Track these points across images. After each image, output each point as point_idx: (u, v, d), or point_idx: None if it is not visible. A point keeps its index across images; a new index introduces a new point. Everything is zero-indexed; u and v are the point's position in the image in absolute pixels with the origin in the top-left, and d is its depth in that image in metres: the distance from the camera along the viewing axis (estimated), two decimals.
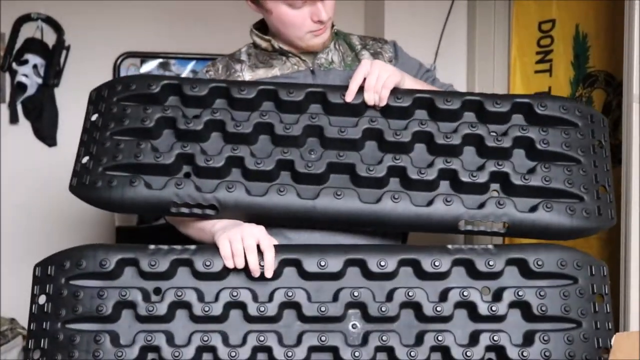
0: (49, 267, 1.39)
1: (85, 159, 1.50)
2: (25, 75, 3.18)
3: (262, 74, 1.65)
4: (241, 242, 1.38)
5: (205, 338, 1.32)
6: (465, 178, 1.43)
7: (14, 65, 3.19)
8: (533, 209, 1.42)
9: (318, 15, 1.57)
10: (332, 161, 1.44)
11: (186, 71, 3.38)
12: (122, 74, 3.32)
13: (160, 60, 3.37)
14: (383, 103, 1.49)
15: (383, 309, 1.34)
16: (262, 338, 1.33)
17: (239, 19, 3.28)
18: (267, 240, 1.41)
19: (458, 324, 1.37)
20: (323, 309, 1.34)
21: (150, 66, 3.35)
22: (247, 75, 1.65)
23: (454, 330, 1.35)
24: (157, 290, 1.36)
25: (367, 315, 1.35)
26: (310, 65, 1.66)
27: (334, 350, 1.32)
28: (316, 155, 1.45)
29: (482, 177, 1.44)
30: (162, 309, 1.34)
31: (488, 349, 1.35)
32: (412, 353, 1.32)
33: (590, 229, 1.45)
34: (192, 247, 1.41)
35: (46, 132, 3.25)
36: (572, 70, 2.60)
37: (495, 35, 2.93)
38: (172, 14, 3.35)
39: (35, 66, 3.19)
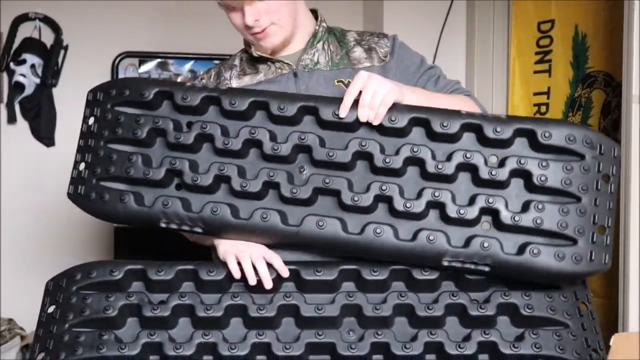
0: (62, 279, 1.44)
1: (81, 167, 1.51)
2: (23, 75, 3.17)
3: (247, 80, 1.65)
4: (249, 259, 1.42)
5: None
6: (453, 214, 1.38)
7: (11, 65, 3.18)
8: (520, 250, 1.36)
9: (244, 20, 1.56)
10: (319, 186, 1.41)
11: (184, 71, 3.37)
12: (120, 74, 3.31)
13: (159, 60, 3.36)
14: (378, 122, 1.42)
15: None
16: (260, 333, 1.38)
17: None
18: (271, 253, 1.45)
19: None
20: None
21: (148, 66, 3.35)
22: (234, 83, 1.65)
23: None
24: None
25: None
26: (293, 68, 1.63)
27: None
28: (304, 176, 1.43)
29: (471, 214, 1.38)
30: (166, 310, 1.38)
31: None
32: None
33: (580, 274, 1.36)
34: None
35: (44, 132, 3.25)
36: (571, 71, 2.60)
37: (495, 35, 2.93)
38: (170, 14, 3.35)
39: (33, 66, 3.19)
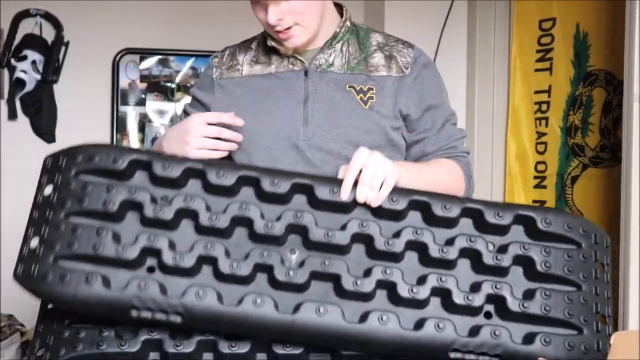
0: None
1: (34, 243, 1.31)
2: (24, 71, 3.18)
3: (259, 70, 1.61)
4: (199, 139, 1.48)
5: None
6: (459, 300, 1.31)
7: (12, 61, 3.19)
8: (530, 339, 1.31)
9: (267, 18, 1.50)
10: (316, 270, 1.30)
11: (185, 67, 3.37)
12: (122, 70, 3.31)
13: (160, 56, 3.36)
14: (377, 204, 1.33)
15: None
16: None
17: (239, 16, 3.28)
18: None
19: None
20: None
21: (149, 62, 3.35)
22: (245, 70, 1.62)
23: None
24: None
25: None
26: (305, 66, 1.58)
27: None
28: (297, 259, 1.31)
29: (478, 300, 1.32)
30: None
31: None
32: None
33: None
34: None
35: (45, 129, 3.25)
36: (573, 69, 2.60)
37: (496, 33, 2.93)
38: (171, 11, 3.34)
39: (34, 62, 3.19)
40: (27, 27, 3.24)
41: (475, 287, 1.33)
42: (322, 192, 1.33)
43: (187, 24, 3.35)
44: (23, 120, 3.25)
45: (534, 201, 2.76)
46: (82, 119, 3.30)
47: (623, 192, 2.07)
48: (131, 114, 3.34)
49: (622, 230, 2.08)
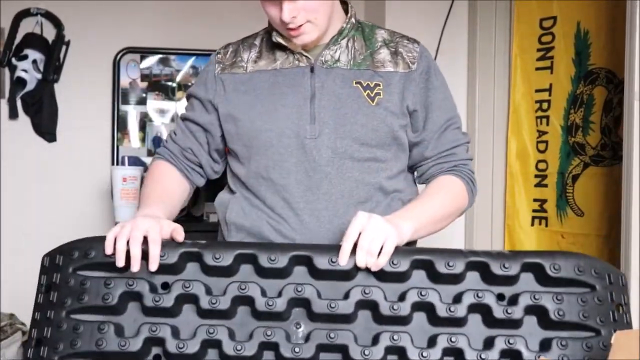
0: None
1: (38, 345, 1.30)
2: (25, 71, 3.18)
3: (263, 65, 1.59)
4: (127, 236, 1.31)
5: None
6: (472, 359, 1.28)
7: (13, 60, 3.19)
8: None
9: (281, 15, 1.48)
10: (322, 343, 1.28)
11: (186, 67, 3.38)
12: (122, 69, 3.32)
13: (160, 56, 3.36)
14: (377, 268, 1.31)
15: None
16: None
17: (240, 15, 3.29)
18: (155, 234, 1.32)
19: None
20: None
21: (150, 62, 3.35)
22: (249, 66, 1.60)
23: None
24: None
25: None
26: (312, 62, 1.56)
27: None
28: (304, 332, 1.30)
29: (492, 357, 1.28)
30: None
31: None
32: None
33: None
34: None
35: (45, 128, 3.26)
36: (573, 68, 2.59)
37: (496, 32, 2.93)
38: (172, 10, 3.35)
39: (34, 61, 3.19)
40: (28, 26, 3.24)
41: (488, 343, 1.29)
42: (321, 262, 1.31)
43: (187, 23, 3.35)
44: (24, 120, 3.26)
45: (535, 200, 2.76)
46: (83, 118, 3.30)
47: (624, 190, 2.07)
48: (132, 113, 3.34)
49: (623, 228, 2.08)
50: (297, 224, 1.53)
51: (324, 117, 1.53)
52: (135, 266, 1.30)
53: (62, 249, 1.35)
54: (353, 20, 1.61)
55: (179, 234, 1.35)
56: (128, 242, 1.31)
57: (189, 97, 1.69)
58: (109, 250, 1.31)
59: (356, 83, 1.55)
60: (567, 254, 1.37)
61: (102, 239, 1.35)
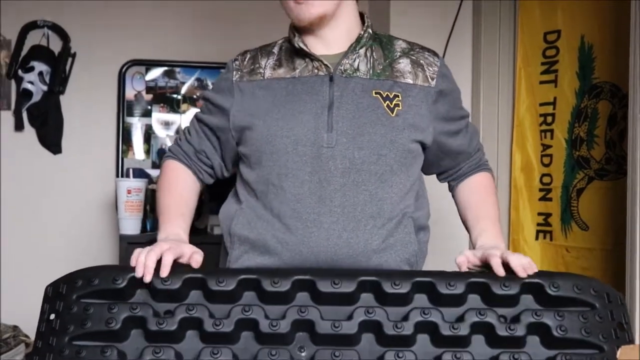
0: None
1: None
2: (31, 82, 3.19)
3: (282, 73, 1.58)
4: (145, 253, 1.38)
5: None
6: None
7: (19, 72, 3.20)
8: None
9: None
10: None
11: (191, 79, 3.39)
12: (127, 81, 3.33)
13: (165, 68, 3.38)
14: (533, 268, 1.40)
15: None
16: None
17: (245, 27, 3.30)
18: (169, 256, 1.39)
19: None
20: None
21: (155, 74, 3.36)
22: (268, 73, 1.59)
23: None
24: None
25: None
26: (331, 71, 1.55)
27: None
28: (307, 356, 1.29)
29: None
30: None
31: None
32: None
33: None
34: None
35: (51, 139, 3.27)
36: (578, 81, 2.59)
37: (500, 45, 2.93)
38: (177, 22, 3.36)
39: (40, 73, 3.20)
40: (34, 38, 3.26)
41: None
42: (324, 286, 1.33)
43: (193, 36, 3.36)
44: (29, 131, 3.27)
45: (540, 213, 2.75)
46: (88, 130, 3.31)
47: (629, 204, 2.07)
48: (137, 125, 3.35)
49: (628, 242, 2.07)
50: (305, 236, 1.51)
51: (342, 126, 1.51)
52: (148, 277, 1.34)
53: (66, 278, 1.36)
54: (370, 30, 1.62)
55: (196, 260, 1.42)
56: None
57: (205, 100, 1.70)
58: (133, 262, 1.37)
59: (376, 93, 1.54)
60: (565, 274, 1.39)
61: (106, 268, 1.38)
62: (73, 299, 1.33)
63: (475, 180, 1.73)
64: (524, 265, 1.37)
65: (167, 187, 1.67)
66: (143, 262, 1.35)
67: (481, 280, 1.35)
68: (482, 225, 1.62)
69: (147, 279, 1.33)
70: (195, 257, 1.42)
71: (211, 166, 1.69)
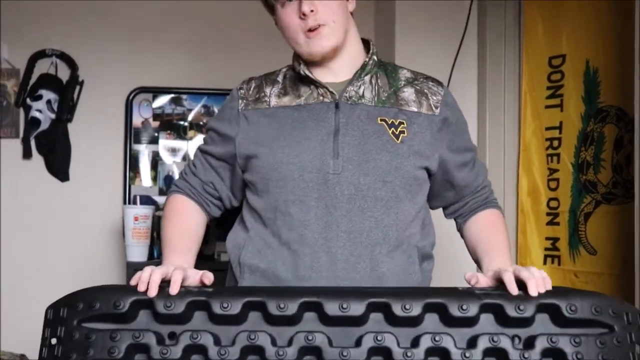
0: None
1: None
2: (39, 111, 3.21)
3: (287, 101, 1.59)
4: (150, 270, 1.34)
5: None
6: None
7: (28, 100, 3.22)
8: None
9: (301, 9, 1.50)
10: None
11: (198, 106, 3.40)
12: (135, 109, 3.35)
13: (172, 95, 3.40)
14: (547, 284, 1.35)
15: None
16: None
17: (251, 54, 3.33)
18: (178, 274, 1.35)
19: None
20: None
21: (162, 101, 3.38)
22: (273, 101, 1.60)
23: None
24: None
25: None
26: (336, 98, 1.56)
27: None
28: None
29: None
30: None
31: None
32: None
33: None
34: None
35: (59, 167, 3.28)
36: (583, 105, 2.60)
37: (506, 70, 2.94)
38: (183, 50, 3.39)
39: (49, 101, 3.23)
40: (43, 67, 3.28)
41: None
42: (332, 310, 1.29)
43: (199, 63, 3.39)
44: (37, 159, 3.28)
45: (547, 238, 2.74)
46: (96, 157, 3.33)
47: (637, 228, 2.06)
48: (144, 152, 3.36)
49: (636, 267, 2.06)
50: (313, 261, 1.51)
51: (348, 153, 1.52)
52: (153, 291, 1.30)
53: (66, 300, 1.33)
54: (375, 57, 1.63)
55: (208, 277, 1.38)
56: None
57: (209, 130, 1.69)
58: (135, 281, 1.32)
59: (381, 120, 1.55)
60: (582, 293, 1.34)
61: (106, 289, 1.35)
62: (74, 324, 1.30)
63: (484, 216, 1.68)
64: (538, 282, 1.31)
65: (172, 220, 1.63)
66: (147, 278, 1.31)
67: (495, 301, 1.30)
68: (493, 256, 1.56)
69: (153, 292, 1.29)
70: (206, 274, 1.39)
71: (219, 197, 1.67)
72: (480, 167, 1.71)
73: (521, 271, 1.34)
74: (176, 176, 3.36)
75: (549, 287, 1.32)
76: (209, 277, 1.38)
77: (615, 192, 2.46)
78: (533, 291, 1.29)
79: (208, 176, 1.66)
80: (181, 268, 1.38)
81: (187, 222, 1.63)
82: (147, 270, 1.34)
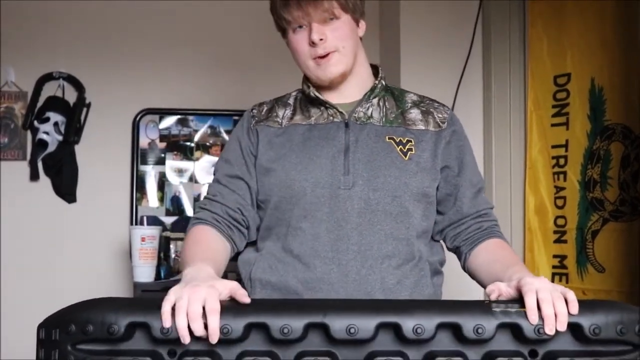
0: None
1: None
2: (47, 133, 3.23)
3: (298, 120, 1.64)
4: (186, 308, 1.20)
5: None
6: None
7: (35, 123, 3.24)
8: None
9: (311, 37, 1.54)
10: None
11: (204, 127, 3.41)
12: (141, 130, 3.36)
13: (179, 116, 3.41)
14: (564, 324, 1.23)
15: None
16: None
17: (258, 75, 3.35)
18: (213, 303, 1.21)
19: None
20: None
21: (168, 122, 3.40)
22: (285, 122, 1.64)
23: None
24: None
25: None
26: (346, 118, 1.60)
27: None
28: None
29: None
30: None
31: None
32: None
33: None
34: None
35: (66, 189, 3.29)
36: (589, 123, 2.60)
37: (511, 89, 2.95)
38: (190, 71, 3.41)
39: (56, 123, 3.24)
40: (50, 89, 3.31)
41: None
42: (340, 333, 1.21)
43: (205, 84, 3.41)
44: (45, 181, 3.29)
45: (555, 256, 2.73)
46: (103, 178, 3.34)
47: None
48: (150, 173, 3.37)
49: None
50: (324, 273, 1.52)
51: (358, 169, 1.55)
52: (187, 339, 1.19)
53: (58, 320, 1.28)
54: (383, 82, 1.68)
55: (242, 294, 1.24)
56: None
57: (221, 159, 1.67)
58: (167, 323, 1.20)
59: (389, 138, 1.59)
60: (607, 307, 1.26)
61: (98, 305, 1.28)
62: (68, 349, 1.25)
63: (493, 242, 1.61)
64: (558, 315, 1.21)
65: (192, 244, 1.54)
66: (185, 327, 1.18)
67: (512, 321, 1.23)
68: (514, 269, 1.44)
69: (186, 340, 1.19)
70: (239, 293, 1.25)
71: (245, 222, 1.62)
72: (485, 198, 1.68)
73: (543, 301, 1.22)
74: (183, 197, 3.37)
75: (566, 321, 1.22)
76: (242, 294, 1.25)
77: (623, 210, 2.46)
78: (550, 329, 1.21)
79: (230, 201, 1.61)
80: (211, 291, 1.23)
81: (208, 243, 1.56)
82: (183, 307, 1.20)
